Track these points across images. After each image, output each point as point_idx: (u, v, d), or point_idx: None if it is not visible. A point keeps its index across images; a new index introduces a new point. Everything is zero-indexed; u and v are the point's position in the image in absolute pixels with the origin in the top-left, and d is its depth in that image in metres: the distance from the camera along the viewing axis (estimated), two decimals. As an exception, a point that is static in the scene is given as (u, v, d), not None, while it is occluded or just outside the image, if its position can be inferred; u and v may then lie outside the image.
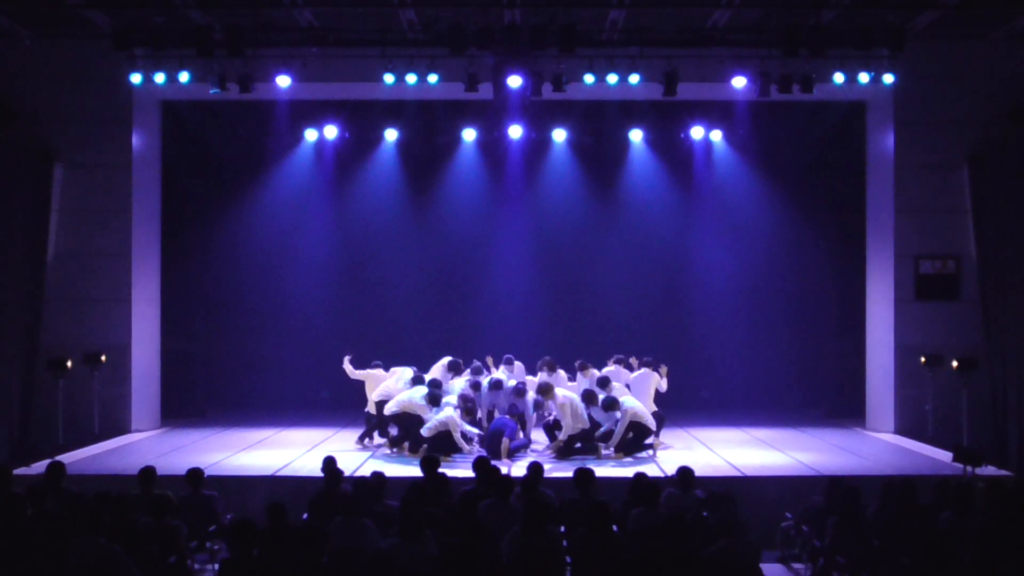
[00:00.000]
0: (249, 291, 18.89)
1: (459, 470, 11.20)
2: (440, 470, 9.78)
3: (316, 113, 17.54)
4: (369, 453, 13.54)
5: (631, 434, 13.03)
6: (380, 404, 13.72)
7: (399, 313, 18.67)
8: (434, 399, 13.06)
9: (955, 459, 11.89)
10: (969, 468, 11.04)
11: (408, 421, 13.21)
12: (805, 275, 18.96)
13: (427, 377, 13.91)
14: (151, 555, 7.74)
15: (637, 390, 13.91)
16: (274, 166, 18.62)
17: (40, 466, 11.49)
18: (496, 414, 13.81)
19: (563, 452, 13.12)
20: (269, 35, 14.62)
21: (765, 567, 7.71)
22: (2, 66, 15.37)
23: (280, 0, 13.81)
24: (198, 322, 18.03)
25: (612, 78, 14.60)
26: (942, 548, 6.82)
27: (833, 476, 10.19)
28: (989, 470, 11.88)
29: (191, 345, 17.63)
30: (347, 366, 14.48)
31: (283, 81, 14.64)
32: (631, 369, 14.61)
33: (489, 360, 14.81)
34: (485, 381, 14.08)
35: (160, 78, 14.67)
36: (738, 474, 12.11)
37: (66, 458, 12.20)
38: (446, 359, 14.43)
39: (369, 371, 14.48)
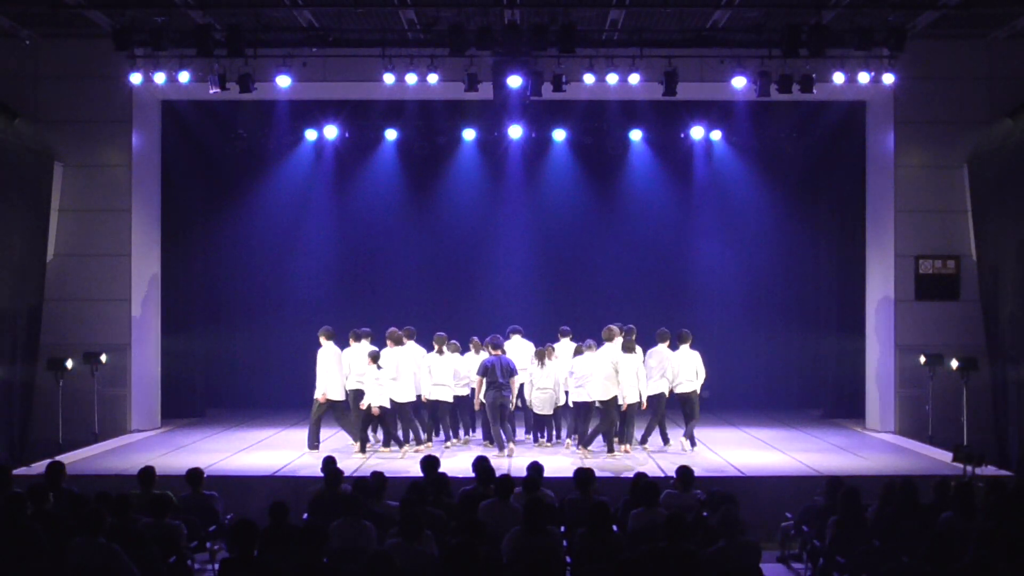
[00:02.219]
0: (249, 291, 18.89)
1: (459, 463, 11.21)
2: (440, 470, 9.80)
3: (316, 113, 17.55)
4: (370, 453, 13.57)
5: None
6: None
7: (399, 313, 18.60)
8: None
9: (955, 459, 11.88)
10: (969, 468, 11.03)
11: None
12: (805, 275, 18.97)
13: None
14: (151, 555, 7.74)
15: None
16: (274, 166, 18.62)
17: (40, 466, 11.50)
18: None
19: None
20: (269, 35, 14.64)
21: (765, 567, 7.70)
22: (2, 66, 15.38)
23: (280, 0, 13.81)
24: (198, 322, 18.03)
25: (612, 78, 14.60)
26: (942, 548, 6.82)
27: (833, 476, 10.18)
28: (989, 470, 11.88)
29: (191, 345, 17.62)
30: None
31: (283, 81, 14.63)
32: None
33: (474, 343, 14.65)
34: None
35: (160, 78, 14.67)
36: (738, 474, 12.12)
37: (66, 458, 12.22)
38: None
39: None
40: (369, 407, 13.17)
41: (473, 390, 13.97)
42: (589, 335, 16.76)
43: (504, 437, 13.39)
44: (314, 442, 13.67)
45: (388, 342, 13.64)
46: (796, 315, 18.98)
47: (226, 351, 18.65)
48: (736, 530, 7.57)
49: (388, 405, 13.26)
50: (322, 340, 13.80)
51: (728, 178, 18.75)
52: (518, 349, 14.52)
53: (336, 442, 14.59)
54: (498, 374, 13.41)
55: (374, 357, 13.29)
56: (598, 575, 7.06)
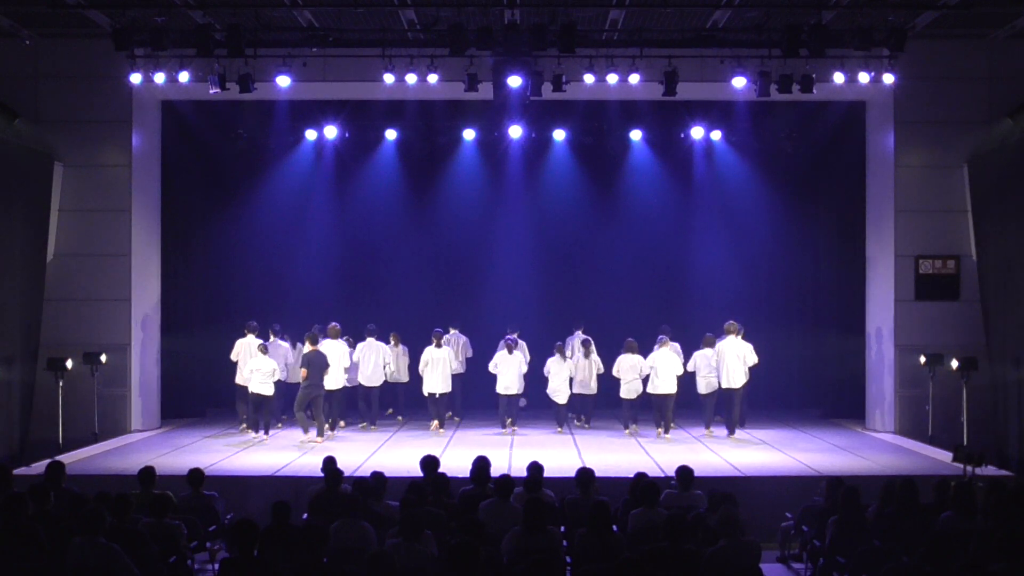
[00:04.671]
0: (249, 291, 18.84)
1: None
2: (440, 470, 9.81)
3: (316, 113, 17.54)
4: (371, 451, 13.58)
5: None
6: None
7: (399, 313, 18.66)
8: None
9: (955, 459, 11.86)
10: (969, 468, 11.03)
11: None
12: (805, 275, 18.95)
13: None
14: (151, 555, 7.74)
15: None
16: (274, 166, 18.60)
17: (40, 466, 11.50)
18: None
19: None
20: (269, 35, 14.64)
21: (765, 567, 7.70)
22: (2, 66, 15.38)
23: (280, 0, 13.80)
24: (198, 322, 18.01)
25: (612, 78, 14.60)
26: (942, 548, 6.82)
27: (833, 476, 10.19)
28: (989, 470, 11.88)
29: (191, 345, 17.61)
30: None
31: (283, 81, 14.63)
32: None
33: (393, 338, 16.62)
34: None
35: (160, 78, 14.66)
36: (738, 474, 12.12)
37: (66, 458, 12.22)
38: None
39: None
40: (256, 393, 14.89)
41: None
42: (589, 333, 16.88)
43: (311, 423, 14.80)
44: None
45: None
46: (796, 315, 18.96)
47: (226, 351, 18.59)
48: (736, 530, 7.56)
49: (269, 393, 14.92)
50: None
51: (728, 178, 18.73)
52: (455, 342, 16.88)
53: (337, 442, 14.60)
54: (318, 367, 14.68)
55: (263, 349, 15.09)
56: (598, 575, 7.06)
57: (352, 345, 16.21)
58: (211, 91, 14.60)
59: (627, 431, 15.45)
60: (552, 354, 16.03)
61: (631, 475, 9.80)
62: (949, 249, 15.67)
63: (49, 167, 15.28)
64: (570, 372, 15.83)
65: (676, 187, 18.94)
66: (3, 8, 14.03)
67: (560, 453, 13.55)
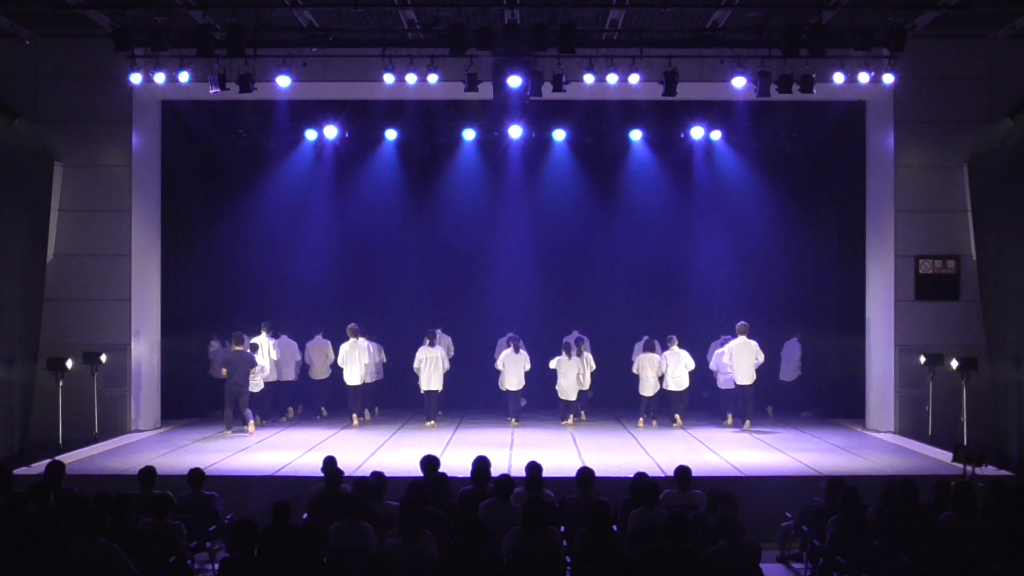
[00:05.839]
0: (249, 291, 18.87)
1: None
2: (440, 470, 9.81)
3: (316, 113, 17.55)
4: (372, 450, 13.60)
5: None
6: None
7: (399, 313, 18.69)
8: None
9: (955, 459, 11.87)
10: (969, 468, 11.03)
11: None
12: (805, 275, 18.96)
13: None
14: (151, 555, 7.74)
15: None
16: (274, 166, 18.63)
17: (40, 466, 11.50)
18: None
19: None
20: (269, 35, 14.63)
21: (765, 567, 7.70)
22: (2, 66, 15.38)
23: (280, 0, 13.80)
24: (198, 322, 18.01)
25: (612, 78, 14.60)
26: (942, 548, 6.83)
27: (833, 476, 10.19)
28: (989, 470, 11.88)
29: (191, 345, 17.60)
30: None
31: (283, 81, 14.62)
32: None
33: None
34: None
35: (160, 78, 14.65)
36: (738, 474, 12.12)
37: (66, 458, 12.22)
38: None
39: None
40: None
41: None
42: (589, 333, 16.95)
43: (233, 421, 15.39)
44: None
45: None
46: (796, 315, 18.95)
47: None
48: (736, 530, 7.56)
49: (253, 389, 15.69)
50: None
51: (728, 178, 18.75)
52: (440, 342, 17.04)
53: (337, 442, 14.62)
54: (240, 366, 15.35)
55: (253, 349, 15.86)
56: (598, 575, 7.06)
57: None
58: (211, 91, 14.60)
59: (648, 424, 16.35)
60: (559, 352, 16.43)
61: (631, 475, 9.79)
62: (949, 249, 15.67)
63: (49, 167, 15.27)
64: (578, 369, 16.23)
65: (676, 187, 18.96)
66: (3, 8, 14.02)
67: (560, 453, 13.56)
